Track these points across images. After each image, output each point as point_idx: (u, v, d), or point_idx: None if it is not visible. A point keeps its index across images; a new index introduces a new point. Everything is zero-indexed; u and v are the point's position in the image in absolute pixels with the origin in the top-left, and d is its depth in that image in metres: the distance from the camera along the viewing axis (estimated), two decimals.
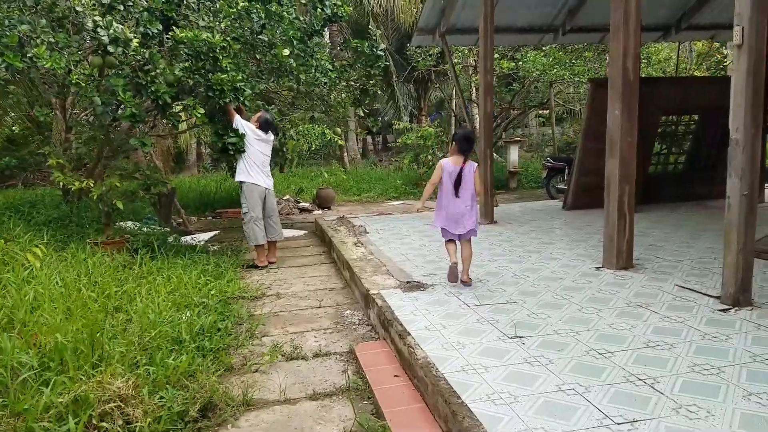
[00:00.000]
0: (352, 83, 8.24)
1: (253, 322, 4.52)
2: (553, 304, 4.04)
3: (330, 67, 7.20)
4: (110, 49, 5.33)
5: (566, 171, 10.79)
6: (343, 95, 8.98)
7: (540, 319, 3.73)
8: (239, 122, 6.23)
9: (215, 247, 8.06)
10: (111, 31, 5.30)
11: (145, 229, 8.43)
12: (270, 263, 6.74)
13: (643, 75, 11.19)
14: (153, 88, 5.50)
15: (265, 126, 6.40)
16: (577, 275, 4.79)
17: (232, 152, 6.21)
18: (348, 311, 4.79)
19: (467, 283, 4.62)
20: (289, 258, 7.10)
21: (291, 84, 7.22)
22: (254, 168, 6.41)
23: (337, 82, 7.68)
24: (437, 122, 17.18)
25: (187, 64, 5.74)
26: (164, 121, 6.08)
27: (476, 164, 4.62)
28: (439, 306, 4.10)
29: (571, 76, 10.63)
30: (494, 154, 14.98)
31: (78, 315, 4.12)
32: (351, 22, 19.18)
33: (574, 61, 10.76)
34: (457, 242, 4.76)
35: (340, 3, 7.63)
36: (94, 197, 6.57)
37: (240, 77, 5.94)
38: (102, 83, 5.95)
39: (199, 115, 5.76)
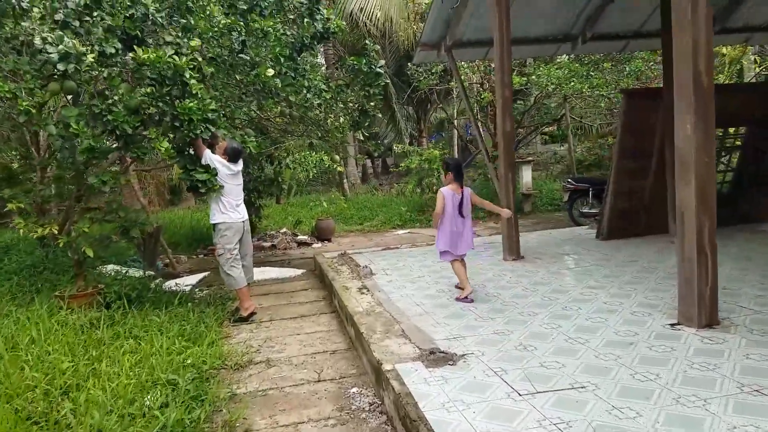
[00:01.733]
0: (351, 104, 7.35)
1: (234, 412, 3.52)
2: (636, 390, 2.97)
3: (324, 87, 6.32)
4: (60, 67, 4.44)
5: (590, 193, 9.86)
6: (341, 119, 8.11)
7: (628, 419, 2.68)
8: (209, 157, 5.38)
9: (202, 293, 7.09)
10: (61, 46, 4.42)
11: (128, 273, 7.51)
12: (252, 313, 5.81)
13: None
14: (109, 117, 4.60)
15: (233, 156, 5.55)
16: (650, 337, 3.75)
17: (203, 190, 5.30)
18: (354, 389, 3.79)
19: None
20: (283, 306, 6.12)
21: (281, 108, 6.32)
22: (230, 205, 5.58)
23: (333, 104, 6.79)
24: (440, 143, 16.32)
25: (150, 90, 4.85)
26: (128, 155, 5.15)
27: (470, 189, 5.18)
28: (479, 393, 3.06)
29: (590, 89, 9.77)
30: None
31: (8, 411, 3.15)
32: (347, 44, 18.50)
33: (591, 73, 9.91)
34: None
35: (332, 17, 6.80)
36: (61, 245, 5.63)
37: (213, 105, 5.05)
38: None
39: (162, 149, 4.85)
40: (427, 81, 11.29)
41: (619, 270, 5.68)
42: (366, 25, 15.96)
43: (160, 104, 4.88)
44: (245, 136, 5.37)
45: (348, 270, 6.66)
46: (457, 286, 5.40)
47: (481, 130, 8.27)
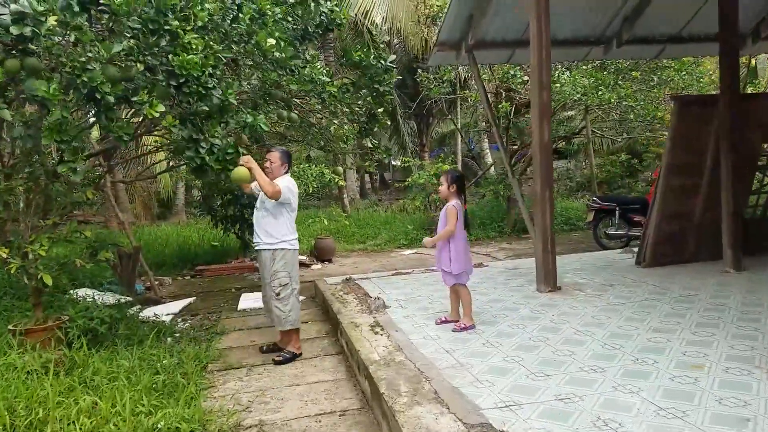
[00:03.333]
0: (357, 108, 6.46)
1: None
2: None
3: (326, 78, 5.44)
4: (14, 30, 3.51)
5: (616, 213, 9.00)
6: (345, 127, 7.22)
7: None
8: (285, 185, 4.50)
9: (185, 324, 6.13)
10: (13, 6, 3.51)
11: (102, 299, 6.54)
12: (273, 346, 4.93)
13: (694, 92, 9.54)
14: (84, 78, 3.65)
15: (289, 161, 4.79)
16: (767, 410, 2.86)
17: (216, 168, 4.36)
18: None
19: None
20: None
21: (285, 80, 5.39)
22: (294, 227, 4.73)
23: (337, 105, 5.90)
24: (447, 158, 15.47)
25: (133, 43, 3.96)
26: (111, 135, 4.20)
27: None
28: None
29: (617, 100, 8.97)
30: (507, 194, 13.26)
31: None
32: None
33: (620, 83, 9.11)
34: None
35: (336, 8, 5.95)
36: (13, 271, 4.67)
37: (212, 60, 4.13)
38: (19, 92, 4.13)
39: (156, 114, 3.90)
40: (439, 89, 10.45)
41: (681, 307, 4.77)
42: (370, 32, 15.19)
43: (148, 58, 3.96)
44: (254, 115, 4.42)
45: (355, 300, 5.71)
46: (445, 318, 4.73)
47: (503, 141, 7.38)
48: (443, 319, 4.72)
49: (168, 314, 6.59)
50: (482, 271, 6.85)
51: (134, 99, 4.02)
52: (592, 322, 4.48)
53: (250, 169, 4.36)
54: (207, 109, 4.43)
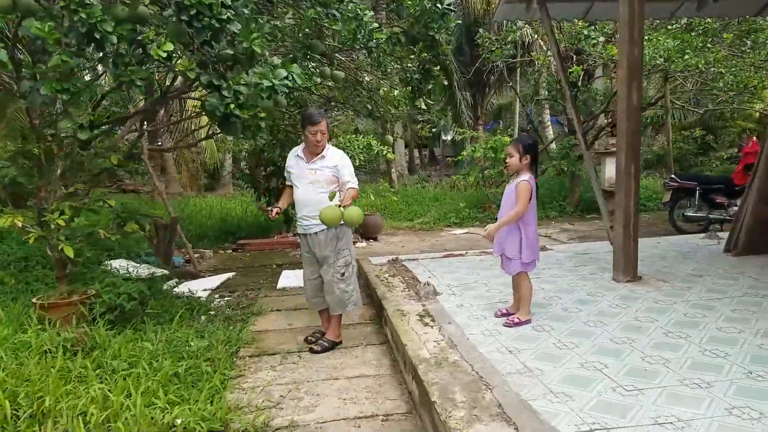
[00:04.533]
0: (409, 63, 5.76)
1: None
2: None
3: (374, 22, 4.80)
4: None
5: (696, 193, 8.02)
6: (395, 91, 6.54)
7: None
8: (338, 156, 4.15)
9: (222, 301, 5.75)
10: None
11: (137, 272, 6.26)
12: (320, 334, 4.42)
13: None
14: (82, 15, 3.17)
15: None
16: None
17: (245, 118, 3.83)
18: None
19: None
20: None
21: (327, 22, 4.78)
22: None
23: (386, 54, 5.22)
24: (499, 130, 14.56)
25: None
26: (121, 85, 3.75)
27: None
28: None
29: (705, 65, 7.87)
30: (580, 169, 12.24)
31: None
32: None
33: (709, 46, 7.99)
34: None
35: None
36: (32, 241, 4.34)
37: None
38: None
39: (163, 55, 3.41)
40: (501, 52, 9.55)
41: None
42: None
43: None
44: (286, 64, 3.82)
45: (402, 284, 5.14)
46: (506, 311, 4.07)
47: (576, 110, 6.54)
48: (503, 311, 4.09)
49: (205, 290, 6.23)
50: (545, 255, 6.12)
51: (139, 38, 3.51)
52: (684, 321, 3.74)
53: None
54: (231, 54, 3.87)
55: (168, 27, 3.74)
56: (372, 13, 5.08)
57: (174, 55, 3.83)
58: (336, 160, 4.08)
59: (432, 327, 3.86)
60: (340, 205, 3.82)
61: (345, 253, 4.16)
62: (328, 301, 4.21)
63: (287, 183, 4.33)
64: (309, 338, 4.36)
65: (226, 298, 5.90)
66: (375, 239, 9.29)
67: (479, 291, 4.75)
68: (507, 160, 3.92)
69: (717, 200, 7.97)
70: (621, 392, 2.74)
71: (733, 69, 8.22)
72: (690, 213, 8.03)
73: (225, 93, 3.80)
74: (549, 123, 17.85)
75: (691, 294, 4.35)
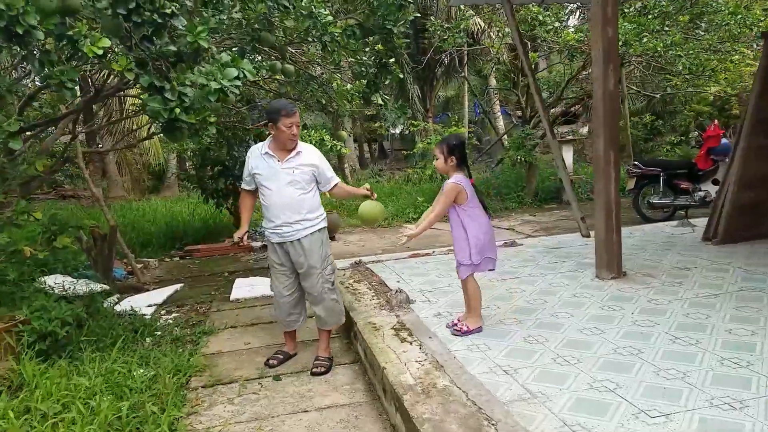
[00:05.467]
0: (365, 57, 5.32)
1: None
2: None
3: (329, 16, 4.31)
4: None
5: (661, 179, 7.91)
6: (347, 85, 6.06)
7: None
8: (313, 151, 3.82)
9: (169, 318, 5.14)
10: None
11: (74, 287, 5.54)
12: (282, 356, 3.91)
13: None
14: (1, 6, 2.58)
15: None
16: None
17: (192, 123, 3.27)
18: None
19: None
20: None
21: (277, 16, 4.27)
22: None
23: (341, 48, 4.75)
24: (454, 121, 14.30)
25: None
26: (50, 85, 3.11)
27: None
28: None
29: (664, 48, 7.75)
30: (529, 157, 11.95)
31: None
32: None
33: (666, 28, 7.87)
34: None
35: None
36: None
37: None
38: None
39: (98, 51, 2.85)
40: (453, 40, 9.19)
41: None
42: None
43: None
44: (235, 58, 3.27)
45: (370, 291, 4.68)
46: (458, 321, 3.65)
47: (540, 96, 6.22)
48: (456, 321, 3.69)
49: (150, 305, 5.59)
50: (517, 251, 5.80)
51: (69, 33, 2.90)
52: (688, 324, 3.43)
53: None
54: (174, 50, 3.32)
55: (102, 21, 3.13)
56: (327, 12, 4.57)
57: (109, 52, 3.25)
58: (314, 158, 3.66)
59: (411, 343, 3.42)
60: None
61: (330, 259, 3.76)
62: (318, 316, 3.74)
63: (245, 188, 3.79)
64: (270, 361, 3.83)
65: (173, 315, 5.28)
66: (332, 239, 8.78)
67: (455, 296, 4.33)
68: (434, 162, 3.62)
69: (682, 186, 7.88)
70: (645, 419, 2.37)
71: (690, 52, 8.15)
72: (655, 200, 7.92)
73: (168, 95, 3.22)
74: (499, 114, 17.76)
75: (684, 291, 4.08)
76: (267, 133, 7.25)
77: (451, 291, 4.46)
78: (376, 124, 7.47)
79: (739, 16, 7.76)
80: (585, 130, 19.84)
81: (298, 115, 3.59)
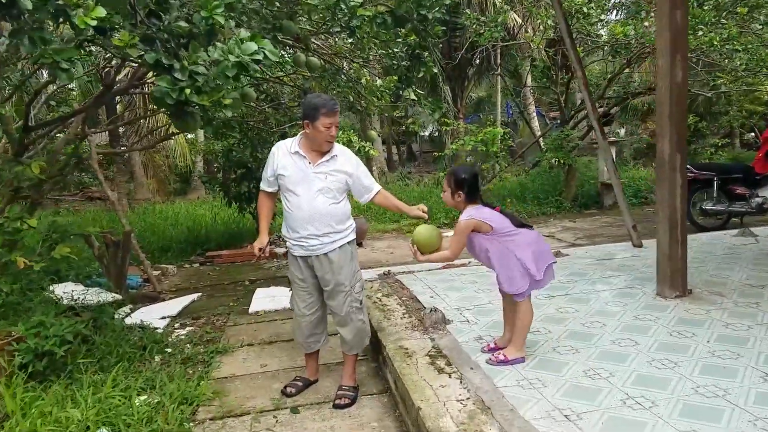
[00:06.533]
0: (396, 49, 4.87)
1: None
2: None
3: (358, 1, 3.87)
4: None
5: (714, 184, 7.25)
6: (378, 81, 5.63)
7: None
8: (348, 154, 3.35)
9: (183, 332, 4.77)
10: None
11: (84, 297, 5.24)
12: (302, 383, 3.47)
13: None
14: None
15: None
16: None
17: (204, 105, 2.87)
18: None
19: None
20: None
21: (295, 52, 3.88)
22: None
23: (370, 37, 4.32)
24: (489, 121, 13.75)
25: None
26: (45, 65, 2.75)
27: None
28: None
29: (722, 43, 7.09)
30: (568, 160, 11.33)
31: None
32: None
33: (723, 21, 7.21)
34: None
35: None
36: None
37: None
38: None
39: (92, 22, 2.49)
40: (491, 33, 8.66)
41: None
42: None
43: None
44: (257, 38, 2.84)
45: (400, 308, 4.21)
46: (495, 344, 3.25)
47: (589, 92, 5.66)
48: (492, 345, 3.25)
49: (164, 317, 5.25)
50: (562, 262, 5.26)
51: (59, 1, 2.51)
52: None
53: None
54: (186, 27, 2.93)
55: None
56: None
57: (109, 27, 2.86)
58: (352, 165, 3.22)
59: (450, 375, 2.94)
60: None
61: (359, 275, 3.31)
62: (344, 339, 3.29)
63: (266, 189, 3.33)
64: (288, 389, 3.39)
65: (187, 329, 4.90)
66: (360, 245, 8.34)
67: (497, 315, 3.82)
68: (442, 194, 3.16)
69: (737, 191, 7.22)
70: None
71: (749, 46, 7.46)
72: (709, 206, 7.27)
73: (178, 75, 2.83)
74: (534, 115, 17.09)
75: (763, 314, 3.51)
76: (292, 132, 6.78)
77: (493, 309, 3.96)
78: (409, 122, 7.02)
79: None
80: (622, 131, 19.09)
81: (338, 114, 3.13)
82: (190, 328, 4.92)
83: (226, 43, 2.77)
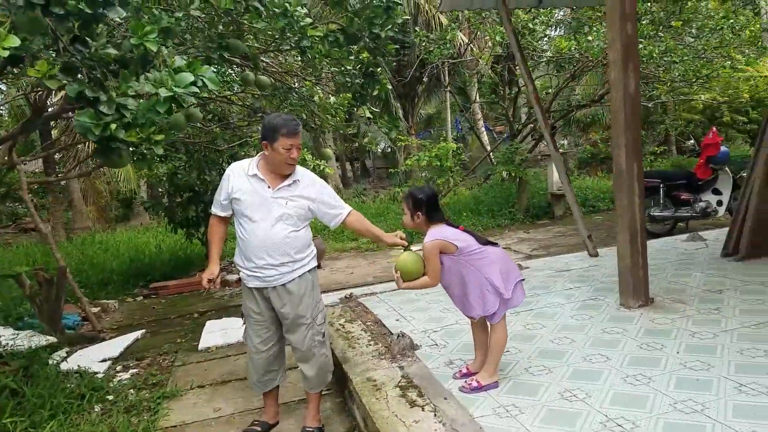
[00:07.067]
0: (349, 66, 4.74)
1: None
2: None
3: (307, 17, 3.71)
4: None
5: (661, 191, 7.44)
6: (331, 98, 5.48)
7: None
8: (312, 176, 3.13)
9: (126, 375, 4.40)
10: None
11: (14, 342, 4.82)
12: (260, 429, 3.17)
13: None
14: None
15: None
16: None
17: (133, 141, 2.59)
18: None
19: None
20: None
21: (245, 18, 3.66)
22: None
23: (322, 55, 4.17)
24: (443, 137, 13.85)
25: None
26: None
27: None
28: None
29: (660, 55, 7.31)
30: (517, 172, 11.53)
31: None
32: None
33: (661, 35, 7.46)
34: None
35: None
36: None
37: None
38: None
39: (4, 54, 2.20)
40: (440, 51, 8.68)
41: None
42: None
43: None
44: (194, 65, 2.59)
45: (365, 334, 4.01)
46: (467, 370, 3.11)
47: (540, 105, 5.68)
48: (464, 370, 3.12)
49: (104, 360, 4.86)
50: (523, 275, 5.18)
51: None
52: (749, 366, 2.84)
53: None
54: (116, 53, 2.68)
55: (18, 16, 2.47)
56: (305, 9, 3.96)
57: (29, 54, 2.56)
58: (315, 190, 2.99)
59: (423, 408, 2.76)
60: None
61: (321, 306, 3.07)
62: (306, 376, 3.04)
63: (218, 213, 3.06)
64: None
65: (131, 371, 4.53)
66: (318, 266, 8.08)
67: (467, 337, 3.67)
68: (403, 218, 3.02)
69: (682, 197, 7.42)
70: None
71: (685, 58, 7.77)
72: (656, 213, 7.43)
73: (104, 108, 2.55)
74: (483, 130, 17.36)
75: (726, 320, 3.51)
76: (242, 153, 6.46)
77: (461, 330, 3.82)
78: (365, 140, 6.93)
79: (731, 21, 7.41)
80: (566, 143, 19.67)
81: (300, 135, 2.91)
82: (134, 370, 4.55)
83: (161, 70, 2.53)
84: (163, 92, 2.41)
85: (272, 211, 2.86)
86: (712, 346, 3.13)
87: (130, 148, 2.76)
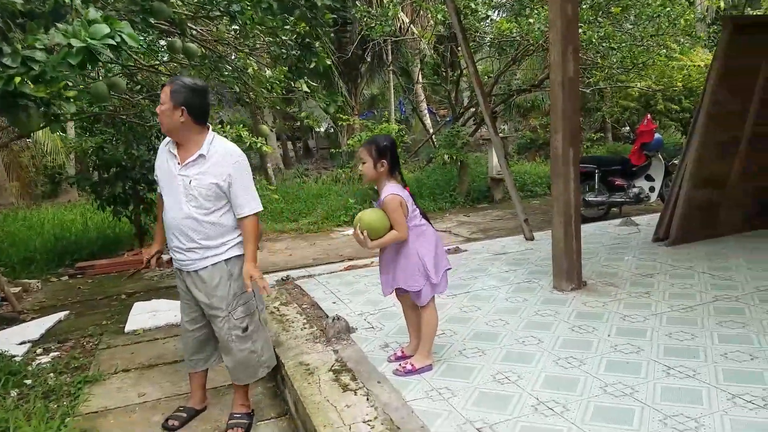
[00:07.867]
0: (284, 36, 4.54)
1: None
2: None
3: None
4: None
5: (596, 176, 7.67)
6: (267, 71, 5.27)
7: None
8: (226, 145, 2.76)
9: (47, 358, 4.12)
10: None
11: None
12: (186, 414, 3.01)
13: None
14: None
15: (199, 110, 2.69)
16: None
17: (40, 97, 2.35)
18: None
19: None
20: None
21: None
22: None
23: (254, 23, 3.97)
24: (386, 117, 13.73)
25: None
26: None
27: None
28: None
29: (599, 41, 7.47)
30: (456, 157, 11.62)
31: None
32: None
33: (600, 20, 7.62)
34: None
35: None
36: None
37: None
38: None
39: None
40: (382, 28, 8.52)
41: None
42: None
43: None
44: (111, 21, 2.34)
45: (300, 317, 3.91)
46: (402, 352, 3.07)
47: (482, 88, 5.68)
48: (399, 353, 3.08)
49: (23, 342, 4.53)
50: (460, 258, 5.23)
51: None
52: (678, 350, 2.94)
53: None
54: (22, 2, 2.42)
55: None
56: None
57: None
58: (222, 171, 2.64)
59: (356, 392, 2.70)
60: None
61: (245, 298, 2.78)
62: (227, 366, 2.88)
63: (158, 190, 2.85)
64: (170, 422, 2.96)
65: (51, 354, 4.24)
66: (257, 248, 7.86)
67: (404, 320, 3.66)
68: (360, 167, 2.89)
69: (616, 182, 7.69)
70: None
71: (623, 45, 7.98)
72: (591, 198, 7.68)
73: (7, 61, 2.30)
74: (426, 112, 17.36)
75: (656, 303, 3.63)
76: None
77: (397, 313, 3.77)
78: (303, 115, 6.69)
79: (668, 9, 7.65)
80: (506, 128, 20.01)
81: (169, 90, 2.53)
82: (55, 353, 4.26)
83: (73, 24, 2.30)
84: (76, 42, 2.19)
85: (178, 189, 2.64)
86: (642, 330, 3.22)
87: (41, 109, 2.53)
